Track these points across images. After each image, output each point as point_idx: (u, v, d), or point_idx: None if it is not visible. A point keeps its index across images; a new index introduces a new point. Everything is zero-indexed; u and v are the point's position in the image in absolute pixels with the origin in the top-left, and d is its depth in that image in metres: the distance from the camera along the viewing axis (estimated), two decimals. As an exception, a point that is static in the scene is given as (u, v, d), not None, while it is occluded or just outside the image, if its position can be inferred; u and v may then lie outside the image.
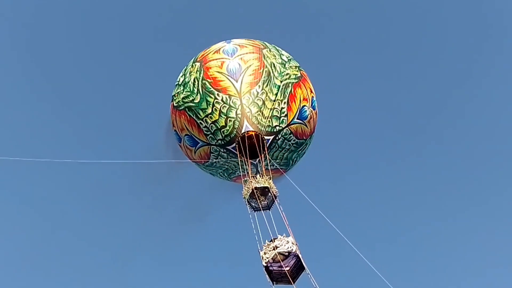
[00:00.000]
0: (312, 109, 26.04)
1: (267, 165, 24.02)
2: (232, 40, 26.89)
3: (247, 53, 25.64)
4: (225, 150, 24.77)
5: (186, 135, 25.83)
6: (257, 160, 24.48)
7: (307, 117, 25.67)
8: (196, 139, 25.43)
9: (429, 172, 52.76)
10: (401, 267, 48.15)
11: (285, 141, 25.15)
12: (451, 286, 47.79)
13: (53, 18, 56.16)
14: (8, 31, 54.34)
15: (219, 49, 26.16)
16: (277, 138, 24.67)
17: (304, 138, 26.04)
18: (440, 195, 51.81)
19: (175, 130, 26.59)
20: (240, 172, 25.38)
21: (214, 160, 25.53)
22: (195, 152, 25.93)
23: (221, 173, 27.01)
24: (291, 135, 25.22)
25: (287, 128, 24.88)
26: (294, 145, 25.69)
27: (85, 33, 57.48)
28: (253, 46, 26.29)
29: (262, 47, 26.32)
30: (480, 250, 47.78)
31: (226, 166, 25.84)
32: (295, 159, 26.68)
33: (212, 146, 25.05)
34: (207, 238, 48.02)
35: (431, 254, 48.66)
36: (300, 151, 26.47)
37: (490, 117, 52.64)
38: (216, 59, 25.61)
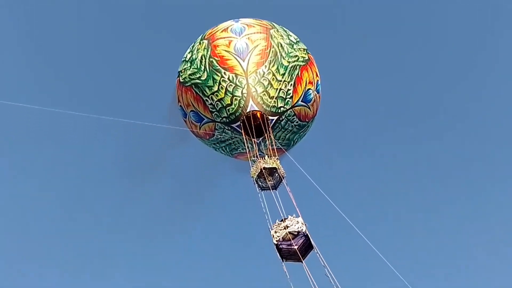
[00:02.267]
0: (316, 93, 26.81)
1: (271, 144, 24.75)
2: (240, 19, 27.19)
3: (254, 33, 26.04)
4: (229, 128, 25.38)
5: (191, 111, 26.31)
6: (260, 139, 25.25)
7: (311, 100, 26.44)
8: (202, 115, 25.94)
9: (440, 155, 53.46)
10: (403, 247, 49.18)
11: (288, 122, 25.92)
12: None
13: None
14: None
15: (227, 28, 26.46)
16: (280, 119, 25.40)
17: (307, 120, 26.88)
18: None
19: (180, 106, 26.97)
20: (242, 149, 26.22)
21: (219, 135, 26.14)
22: (200, 128, 26.47)
23: (223, 148, 27.63)
24: (295, 116, 25.99)
25: (291, 109, 25.59)
26: (297, 126, 26.52)
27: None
28: (260, 26, 26.68)
29: (269, 27, 26.74)
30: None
31: (230, 141, 26.49)
32: (296, 140, 27.57)
33: (217, 123, 25.62)
34: (212, 217, 48.62)
35: (438, 242, 49.73)
36: (301, 133, 27.34)
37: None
38: (223, 38, 25.94)
